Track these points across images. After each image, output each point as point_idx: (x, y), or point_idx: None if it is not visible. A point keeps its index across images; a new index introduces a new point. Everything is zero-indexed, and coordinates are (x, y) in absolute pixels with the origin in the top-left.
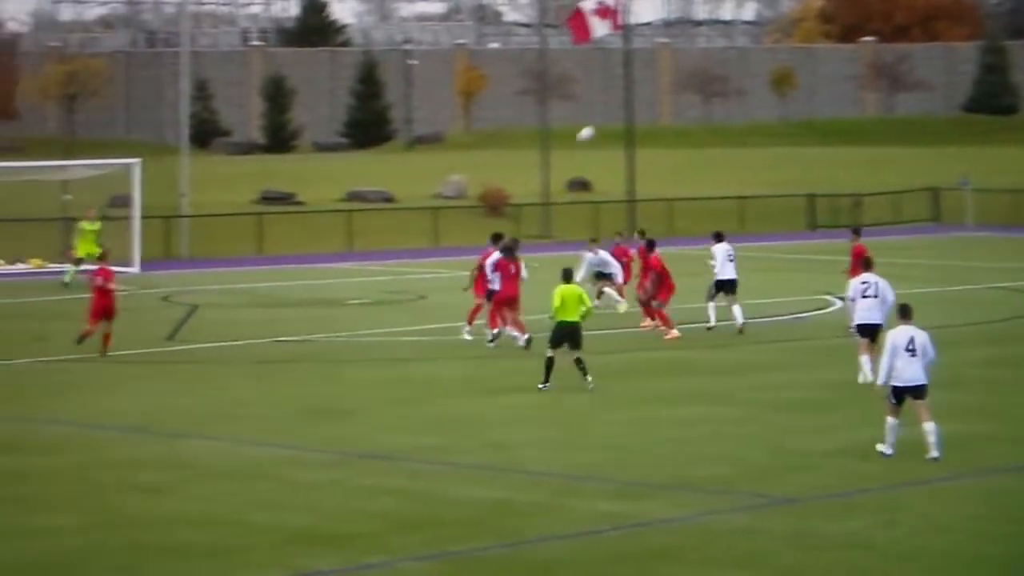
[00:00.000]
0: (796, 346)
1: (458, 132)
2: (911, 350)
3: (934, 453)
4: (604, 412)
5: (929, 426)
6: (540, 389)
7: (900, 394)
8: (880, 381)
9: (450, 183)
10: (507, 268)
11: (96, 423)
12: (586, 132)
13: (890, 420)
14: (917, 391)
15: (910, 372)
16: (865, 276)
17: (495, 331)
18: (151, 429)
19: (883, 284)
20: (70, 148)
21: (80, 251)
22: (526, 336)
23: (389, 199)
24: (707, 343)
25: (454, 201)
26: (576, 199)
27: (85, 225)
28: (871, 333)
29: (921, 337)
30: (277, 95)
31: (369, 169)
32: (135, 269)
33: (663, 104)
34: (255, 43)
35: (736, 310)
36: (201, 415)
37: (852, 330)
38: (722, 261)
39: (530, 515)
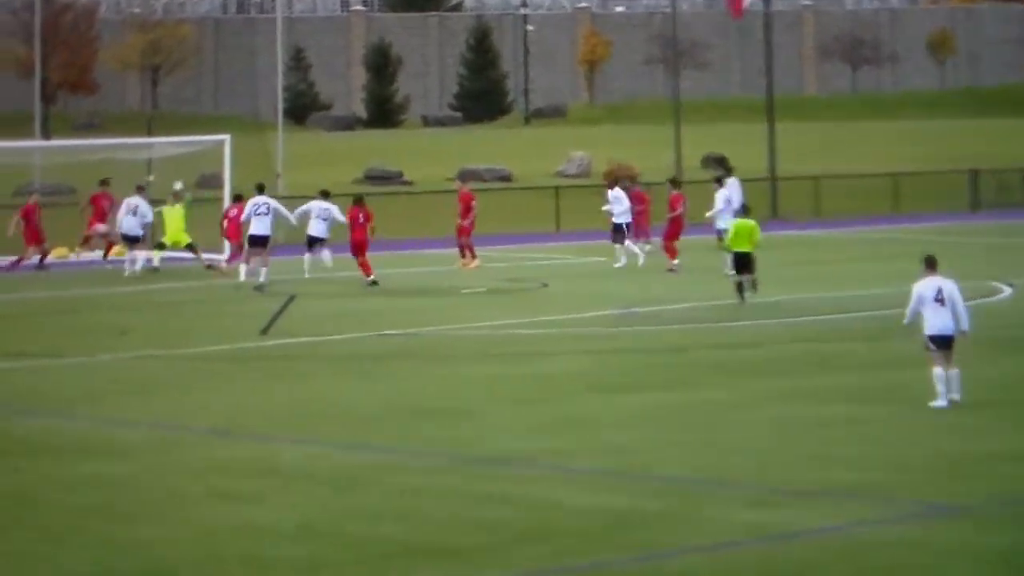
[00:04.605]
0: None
1: (581, 105)
2: (939, 300)
3: (955, 396)
4: (740, 411)
5: (953, 372)
6: (737, 305)
7: (936, 341)
8: (905, 322)
9: (573, 160)
10: (356, 216)
11: (180, 425)
12: None
13: (936, 371)
14: (944, 340)
15: (939, 321)
16: None
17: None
18: (239, 432)
19: None
20: (153, 124)
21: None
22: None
23: (506, 178)
24: (857, 335)
25: (577, 180)
26: (712, 177)
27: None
28: None
29: (948, 286)
30: (381, 65)
31: (483, 145)
32: (226, 256)
33: (807, 72)
34: (357, 8)
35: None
36: (295, 416)
37: None
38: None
39: (658, 525)
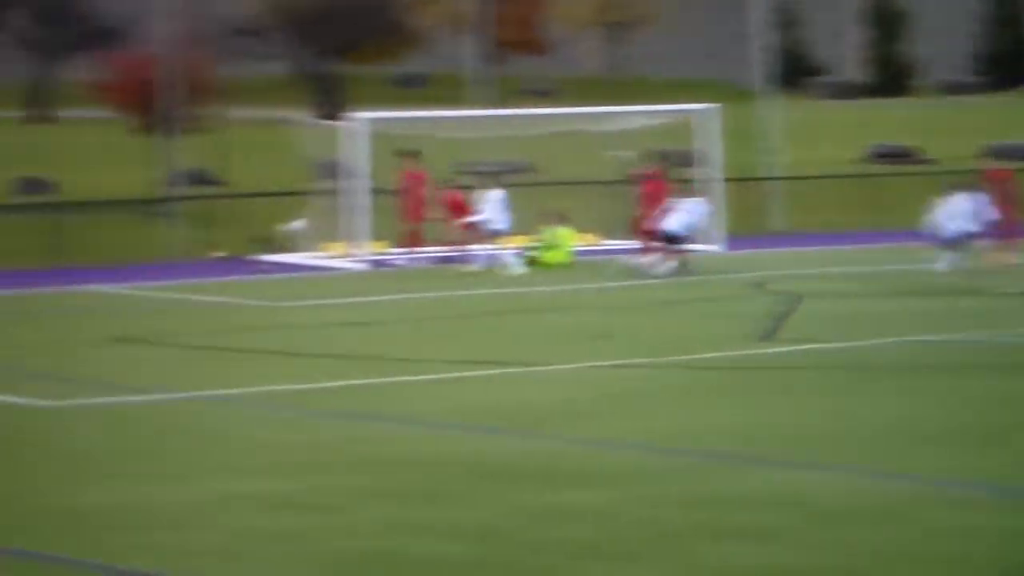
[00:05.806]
0: None
1: None
2: None
3: None
4: None
5: None
6: None
7: None
8: None
9: None
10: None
11: (675, 447)
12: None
13: None
14: None
15: None
16: None
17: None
18: (747, 456)
19: None
20: (612, 90)
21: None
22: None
23: None
24: None
25: None
26: None
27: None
28: None
29: None
30: (884, 20)
31: (1010, 117)
32: (718, 247)
33: None
34: None
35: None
36: (814, 437)
37: None
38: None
39: None
